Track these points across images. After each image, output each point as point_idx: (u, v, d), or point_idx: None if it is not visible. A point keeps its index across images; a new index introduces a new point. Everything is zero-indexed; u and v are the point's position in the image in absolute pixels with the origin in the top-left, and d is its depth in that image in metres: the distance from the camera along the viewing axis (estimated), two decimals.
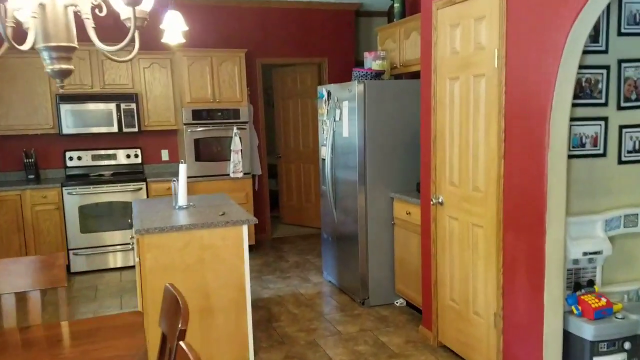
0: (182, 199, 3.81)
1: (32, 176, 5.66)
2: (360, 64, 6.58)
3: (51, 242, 5.39)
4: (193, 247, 3.30)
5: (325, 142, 4.89)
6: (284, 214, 7.76)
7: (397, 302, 4.46)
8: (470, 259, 3.31)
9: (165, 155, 6.37)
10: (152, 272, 3.23)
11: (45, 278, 2.13)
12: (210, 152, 5.97)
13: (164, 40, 4.31)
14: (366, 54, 4.92)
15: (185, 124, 5.86)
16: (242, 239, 3.40)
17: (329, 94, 4.80)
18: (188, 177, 5.83)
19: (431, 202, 3.61)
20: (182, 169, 3.80)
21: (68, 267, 5.48)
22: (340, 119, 4.60)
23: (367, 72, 4.58)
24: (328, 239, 5.04)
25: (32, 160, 5.67)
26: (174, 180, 3.83)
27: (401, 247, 4.33)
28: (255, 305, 4.47)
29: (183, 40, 4.34)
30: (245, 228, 3.40)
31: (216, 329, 3.37)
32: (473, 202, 3.24)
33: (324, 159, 4.93)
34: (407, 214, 4.16)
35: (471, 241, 3.29)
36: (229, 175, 5.96)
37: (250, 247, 6.16)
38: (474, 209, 3.23)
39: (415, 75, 4.54)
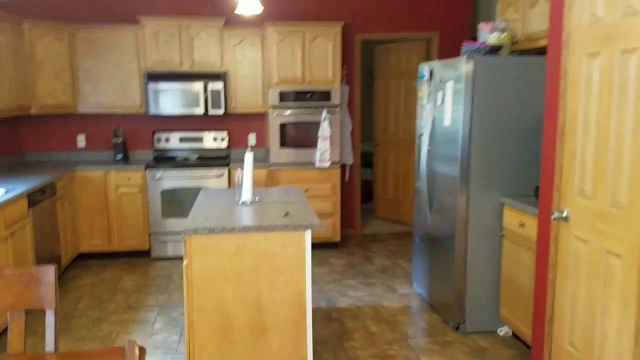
0: (246, 193, 3.32)
1: (120, 157, 5.54)
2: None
3: (133, 225, 5.23)
4: (247, 253, 2.79)
5: (422, 131, 4.15)
6: (378, 208, 7.09)
7: (500, 331, 3.65)
8: (601, 295, 2.45)
9: (252, 139, 5.98)
10: (199, 279, 2.77)
11: (31, 296, 1.73)
12: (296, 138, 5.46)
13: (239, 11, 3.83)
14: (481, 25, 4.06)
15: (271, 107, 5.40)
16: (304, 246, 2.83)
17: (431, 73, 4.04)
18: (271, 165, 5.41)
19: (552, 216, 2.77)
20: (248, 158, 3.30)
21: (148, 252, 5.31)
22: (442, 104, 3.84)
23: (479, 47, 3.76)
24: (420, 244, 4.32)
25: (120, 140, 5.54)
26: (239, 170, 3.34)
27: (510, 264, 3.51)
28: (327, 317, 3.91)
29: (259, 10, 3.84)
30: (307, 234, 2.82)
31: (269, 350, 2.85)
32: (610, 222, 2.38)
33: (420, 151, 4.20)
34: (521, 225, 3.33)
35: (604, 273, 2.43)
36: (315, 164, 5.43)
37: (335, 244, 5.62)
38: (611, 231, 2.37)
39: (542, 52, 3.63)
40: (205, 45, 5.45)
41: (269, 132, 5.46)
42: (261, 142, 5.97)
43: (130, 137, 5.76)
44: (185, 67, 5.44)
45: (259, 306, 2.83)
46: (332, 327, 3.74)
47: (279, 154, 5.43)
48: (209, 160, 5.59)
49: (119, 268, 5.03)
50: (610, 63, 2.36)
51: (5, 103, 4.44)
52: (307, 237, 2.83)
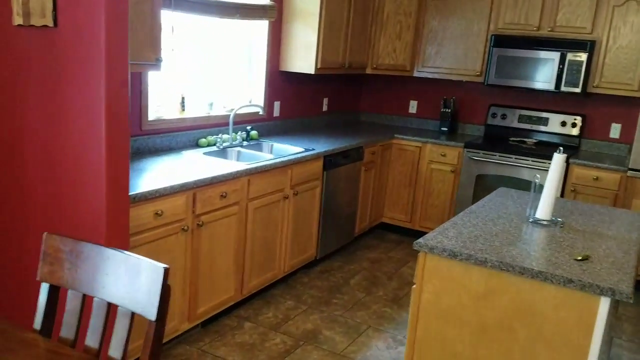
0: (543, 208, 2.33)
1: (445, 128, 5.00)
2: None
3: (439, 206, 4.68)
4: (500, 301, 1.90)
5: None
6: None
7: None
8: None
9: (615, 131, 4.52)
10: (428, 314, 2.05)
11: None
12: None
13: None
14: None
15: None
16: (593, 320, 1.74)
17: None
18: (631, 170, 3.93)
19: None
20: (557, 160, 2.28)
21: None
22: None
23: None
24: None
25: (450, 110, 4.98)
26: (536, 178, 2.35)
27: None
28: None
29: None
30: (603, 303, 1.72)
31: None
32: None
33: None
34: None
35: None
36: None
37: None
38: None
39: None
40: (575, 5, 4.26)
41: (638, 124, 3.96)
42: (627, 137, 4.46)
43: (462, 108, 5.12)
44: (544, 31, 4.40)
45: None
46: None
47: None
48: (549, 148, 4.49)
49: (410, 250, 4.60)
50: None
51: (344, 59, 4.43)
52: (602, 307, 1.73)
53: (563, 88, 4.34)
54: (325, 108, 5.02)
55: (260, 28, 4.05)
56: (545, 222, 2.33)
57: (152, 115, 3.22)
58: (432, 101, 5.25)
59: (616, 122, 4.51)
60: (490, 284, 1.90)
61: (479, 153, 4.47)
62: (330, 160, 3.87)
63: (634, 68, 4.11)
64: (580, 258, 1.92)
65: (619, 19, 4.13)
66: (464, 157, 4.53)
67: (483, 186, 4.46)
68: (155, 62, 2.68)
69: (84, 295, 1.49)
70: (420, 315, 2.06)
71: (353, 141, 4.19)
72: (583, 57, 4.24)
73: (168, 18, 3.21)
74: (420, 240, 2.01)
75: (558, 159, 2.29)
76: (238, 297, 3.22)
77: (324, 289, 3.71)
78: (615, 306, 3.76)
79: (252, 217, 3.18)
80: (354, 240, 4.56)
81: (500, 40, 4.53)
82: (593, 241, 2.15)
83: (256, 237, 3.25)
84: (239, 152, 3.62)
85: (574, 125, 4.60)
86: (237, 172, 2.95)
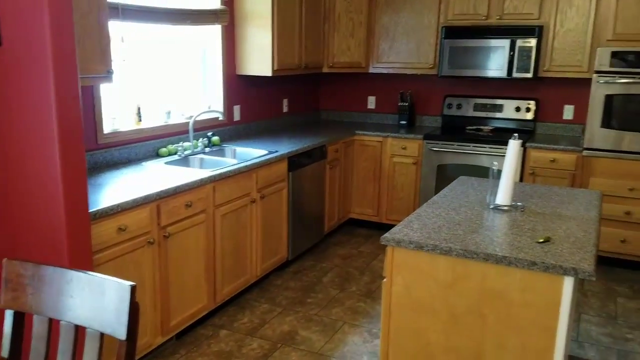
0: (503, 194, 2.39)
1: (404, 122, 5.07)
2: None
3: (404, 198, 4.75)
4: (467, 289, 1.95)
5: None
6: None
7: None
8: None
9: (568, 112, 4.67)
10: (400, 307, 2.08)
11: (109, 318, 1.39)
12: (628, 117, 3.95)
13: None
14: None
15: (597, 72, 4.01)
16: (558, 299, 1.80)
17: None
18: (587, 149, 4.07)
19: None
20: (512, 147, 2.34)
21: None
22: None
23: None
24: None
25: (407, 104, 5.05)
26: (494, 165, 2.41)
27: None
28: None
29: None
30: (567, 283, 1.78)
31: None
32: None
33: None
34: None
35: None
36: None
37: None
38: None
39: None
40: None
41: (590, 105, 4.10)
42: (580, 118, 4.61)
43: (419, 101, 5.20)
44: (493, 20, 4.50)
45: None
46: None
47: (599, 136, 4.04)
48: (506, 134, 4.60)
49: (379, 243, 4.64)
50: None
51: (300, 59, 4.43)
52: (566, 287, 1.79)
53: (515, 74, 4.45)
54: (285, 109, 5.02)
55: (214, 33, 4.01)
56: (505, 208, 2.39)
57: (107, 128, 3.16)
58: (389, 96, 5.31)
59: (569, 104, 4.65)
60: (457, 272, 1.94)
61: (438, 144, 4.55)
62: (294, 161, 3.87)
63: (582, 50, 4.25)
64: (542, 240, 1.98)
65: (565, 3, 4.26)
66: (424, 149, 4.60)
67: (445, 176, 4.54)
68: (107, 74, 2.62)
69: (50, 320, 1.46)
70: (392, 309, 2.09)
71: (315, 140, 4.21)
72: (532, 42, 4.36)
73: (117, 28, 3.15)
74: (387, 235, 2.04)
75: (513, 145, 2.36)
76: (211, 306, 3.19)
77: (297, 289, 3.71)
78: (580, 284, 3.90)
79: (220, 224, 3.15)
80: (324, 238, 4.58)
81: (451, 32, 4.62)
82: (553, 222, 2.21)
83: (226, 243, 3.23)
84: (201, 159, 3.58)
85: (528, 109, 4.72)
86: (201, 179, 2.92)
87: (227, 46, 4.10)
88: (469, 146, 4.45)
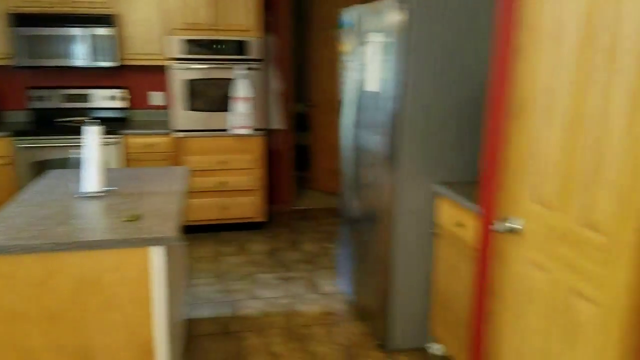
0: (90, 181, 2.41)
1: None
2: None
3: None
4: (62, 282, 1.91)
5: (346, 96, 3.28)
6: (315, 178, 6.25)
7: (430, 348, 2.94)
8: (562, 351, 1.70)
9: (156, 98, 4.98)
10: None
11: None
12: (208, 98, 4.50)
13: None
14: None
15: (172, 59, 4.39)
16: (148, 270, 1.96)
17: (357, 21, 3.14)
18: (178, 131, 4.46)
19: (493, 226, 1.99)
20: (88, 133, 2.36)
21: None
22: (368, 63, 2.96)
23: None
24: (346, 232, 3.53)
25: None
26: (72, 152, 2.40)
27: (445, 270, 2.75)
28: (224, 331, 3.10)
29: None
30: (156, 252, 1.95)
31: None
32: (582, 248, 1.60)
33: (344, 120, 3.34)
34: (459, 225, 2.55)
35: (568, 320, 1.67)
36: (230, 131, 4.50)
37: (260, 224, 4.79)
38: (583, 263, 1.59)
39: None
40: None
41: (172, 90, 4.46)
42: (170, 103, 4.98)
43: (1, 96, 4.66)
44: (63, 8, 4.33)
45: (85, 356, 1.97)
46: (225, 348, 2.94)
47: (186, 118, 4.46)
48: (102, 124, 4.57)
49: None
50: (598, 6, 1.52)
51: None
52: (155, 257, 1.96)
53: (99, 63, 4.44)
54: None
55: None
56: (94, 194, 2.42)
57: None
58: None
59: (155, 90, 4.95)
60: (50, 268, 1.88)
61: (27, 140, 4.19)
62: None
63: (157, 39, 4.55)
64: (130, 219, 2.10)
65: None
66: (15, 147, 4.17)
67: (43, 173, 4.24)
68: None
69: None
70: None
71: None
72: (109, 31, 4.41)
73: None
74: None
75: (88, 131, 2.38)
76: None
77: None
78: (189, 252, 4.24)
79: None
80: None
81: (21, 19, 4.26)
82: (143, 200, 2.36)
83: None
84: None
85: (121, 98, 4.81)
86: None
87: None
88: (59, 139, 4.23)
